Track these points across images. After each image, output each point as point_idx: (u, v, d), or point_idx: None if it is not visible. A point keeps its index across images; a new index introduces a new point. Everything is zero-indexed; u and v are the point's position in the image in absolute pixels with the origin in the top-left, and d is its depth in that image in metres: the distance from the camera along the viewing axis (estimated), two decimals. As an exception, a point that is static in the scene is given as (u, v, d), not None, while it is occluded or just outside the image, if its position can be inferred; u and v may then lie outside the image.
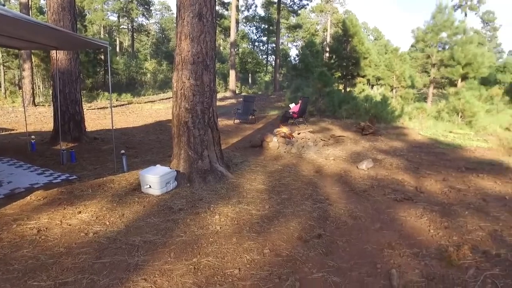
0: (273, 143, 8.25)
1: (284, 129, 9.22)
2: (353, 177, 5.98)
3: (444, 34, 19.52)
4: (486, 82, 20.78)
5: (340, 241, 3.59)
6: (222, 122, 13.74)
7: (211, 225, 3.92)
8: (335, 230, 3.84)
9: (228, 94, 29.31)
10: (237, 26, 42.07)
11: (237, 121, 13.43)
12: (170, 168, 5.32)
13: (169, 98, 25.60)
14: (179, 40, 5.39)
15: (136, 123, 13.48)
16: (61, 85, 8.12)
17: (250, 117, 13.46)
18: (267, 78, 42.60)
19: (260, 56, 40.20)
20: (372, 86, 27.16)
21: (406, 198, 4.93)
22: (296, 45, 60.47)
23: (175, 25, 5.71)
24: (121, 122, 14.33)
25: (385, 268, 3.04)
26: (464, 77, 18.25)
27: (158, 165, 5.21)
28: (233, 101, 25.55)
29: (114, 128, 12.96)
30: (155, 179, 4.79)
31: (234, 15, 28.87)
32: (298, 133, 9.07)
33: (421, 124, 12.90)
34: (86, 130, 9.37)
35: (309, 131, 9.32)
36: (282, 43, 61.01)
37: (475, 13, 49.60)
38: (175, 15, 5.81)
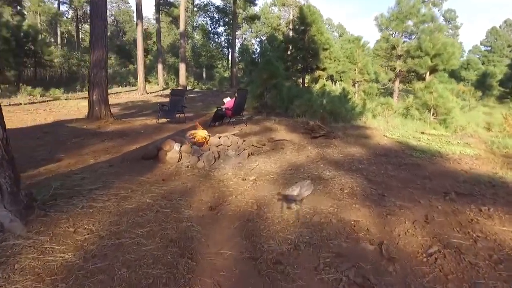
0: (172, 153, 5.53)
1: (201, 132, 6.53)
2: (269, 222, 3.34)
3: (410, 22, 17.50)
4: (453, 78, 19.00)
5: None
6: (143, 121, 10.89)
7: None
8: None
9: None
10: (193, 18, 39.01)
11: (163, 120, 10.60)
12: None
13: (109, 94, 22.34)
14: None
15: (34, 123, 10.44)
16: None
17: (178, 115, 10.68)
18: (226, 74, 39.71)
19: (216, 49, 37.18)
20: (335, 82, 24.97)
21: (358, 283, 2.34)
22: (260, 41, 57.95)
23: None
24: (14, 122, 11.21)
25: None
26: (433, 70, 16.26)
27: None
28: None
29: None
30: None
31: (183, 2, 25.86)
32: (219, 137, 6.39)
33: (387, 123, 10.55)
34: None
35: (234, 134, 6.66)
36: (245, 38, 58.41)
37: (438, 10, 48.90)
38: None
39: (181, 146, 5.66)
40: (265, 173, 5.07)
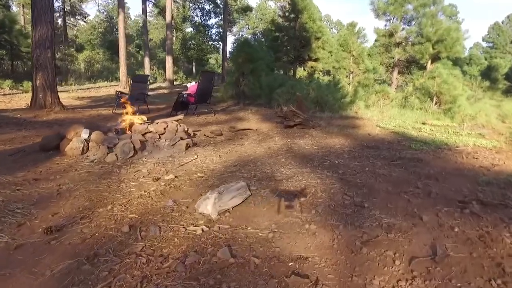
0: (74, 143, 3.93)
1: (131, 117, 4.95)
2: (126, 263, 1.73)
3: (409, 6, 15.84)
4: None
5: None
6: (98, 111, 9.27)
7: None
8: None
9: (164, 84, 24.60)
10: (185, 10, 37.28)
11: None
12: None
13: (89, 88, 20.71)
14: None
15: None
16: None
17: (138, 106, 9.01)
18: (220, 70, 37.96)
19: (205, 42, 35.40)
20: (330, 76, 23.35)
21: None
22: (256, 37, 56.45)
23: None
24: None
25: None
26: (435, 58, 14.64)
27: None
28: (165, 91, 20.92)
29: None
30: None
31: (169, -10, 24.20)
32: (157, 122, 4.81)
33: (382, 114, 8.95)
34: None
35: (177, 120, 5.06)
36: (242, 35, 56.84)
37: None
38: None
39: (90, 134, 4.08)
40: (197, 170, 3.47)
